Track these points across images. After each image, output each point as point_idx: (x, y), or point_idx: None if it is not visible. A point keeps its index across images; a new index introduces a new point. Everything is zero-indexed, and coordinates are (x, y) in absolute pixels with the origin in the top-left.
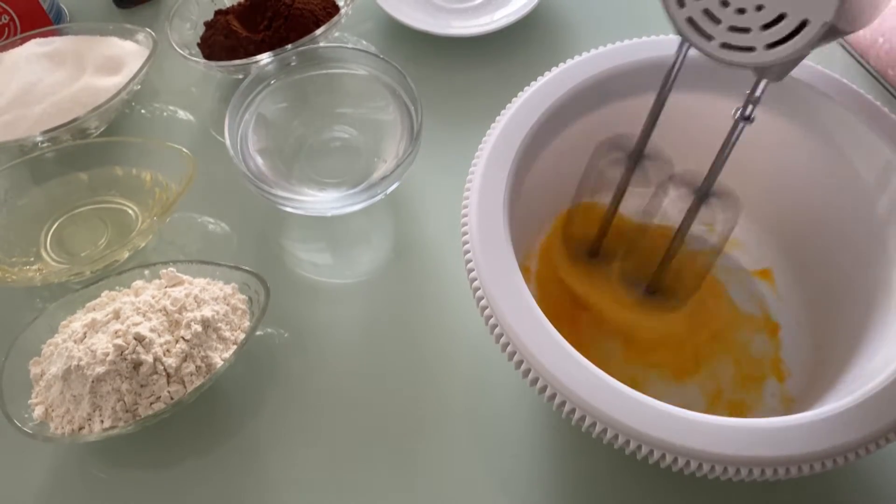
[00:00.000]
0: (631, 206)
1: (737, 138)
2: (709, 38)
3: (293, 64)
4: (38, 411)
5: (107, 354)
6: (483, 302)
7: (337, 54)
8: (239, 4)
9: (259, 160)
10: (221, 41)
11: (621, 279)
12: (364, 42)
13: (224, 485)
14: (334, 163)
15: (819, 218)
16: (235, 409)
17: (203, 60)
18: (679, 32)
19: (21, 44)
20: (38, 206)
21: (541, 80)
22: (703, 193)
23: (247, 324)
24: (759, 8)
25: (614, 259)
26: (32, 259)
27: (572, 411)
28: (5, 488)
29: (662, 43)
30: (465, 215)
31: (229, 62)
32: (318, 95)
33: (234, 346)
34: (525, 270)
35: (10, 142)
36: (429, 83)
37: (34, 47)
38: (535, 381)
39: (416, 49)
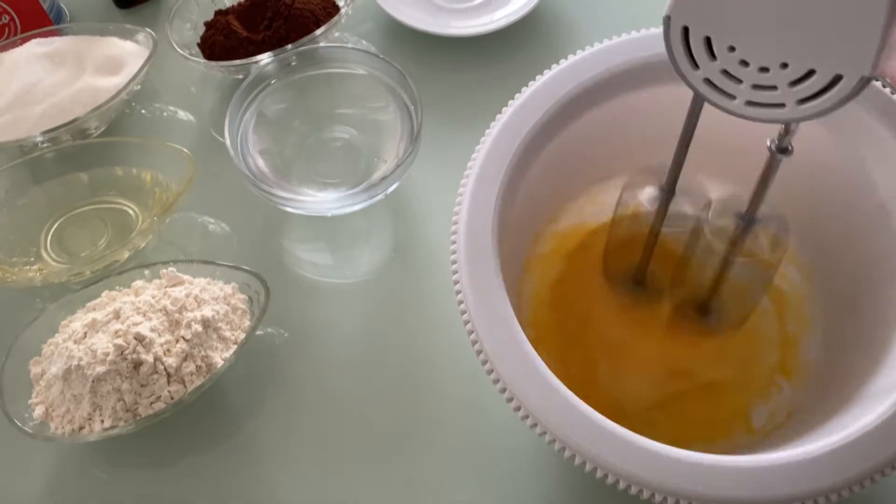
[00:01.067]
0: (672, 235)
1: (775, 171)
2: (731, 97)
3: (293, 64)
4: (38, 411)
5: (107, 354)
6: (473, 336)
7: (337, 54)
8: (239, 4)
9: (259, 160)
10: (221, 41)
11: (673, 304)
12: (364, 42)
13: (224, 484)
14: (334, 163)
15: (840, 228)
16: (235, 408)
17: (203, 60)
18: (697, 94)
19: (21, 44)
20: (38, 206)
21: (539, 81)
22: (748, 222)
23: (247, 323)
24: (784, 65)
25: (660, 284)
26: (32, 259)
27: (563, 449)
28: (5, 488)
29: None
30: (454, 241)
31: (229, 62)
32: (318, 95)
33: (235, 346)
34: (526, 270)
35: (10, 142)
36: (429, 83)
37: (34, 47)
38: (525, 416)
39: (416, 49)
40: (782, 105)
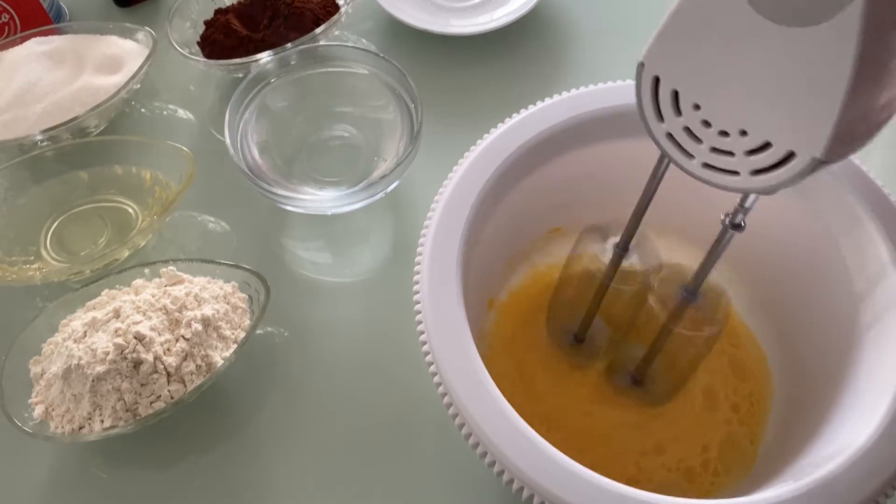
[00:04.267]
0: (619, 294)
1: (725, 245)
2: (690, 156)
3: (293, 63)
4: (38, 410)
5: (107, 353)
6: (438, 379)
7: (337, 53)
8: (239, 3)
9: (259, 158)
10: (221, 40)
11: (607, 369)
12: (364, 41)
13: (224, 483)
14: (334, 161)
15: (796, 289)
16: (235, 407)
17: (203, 59)
18: (659, 147)
19: (21, 43)
20: (38, 204)
21: (487, 140)
22: (691, 294)
23: (247, 322)
24: (744, 133)
25: (600, 344)
26: (32, 258)
27: (520, 489)
28: (5, 487)
29: (612, 91)
30: (418, 297)
31: (229, 61)
32: (317, 94)
33: (235, 345)
34: (489, 304)
35: (10, 141)
36: (429, 82)
37: (34, 46)
38: (493, 464)
39: (416, 48)
40: (737, 173)
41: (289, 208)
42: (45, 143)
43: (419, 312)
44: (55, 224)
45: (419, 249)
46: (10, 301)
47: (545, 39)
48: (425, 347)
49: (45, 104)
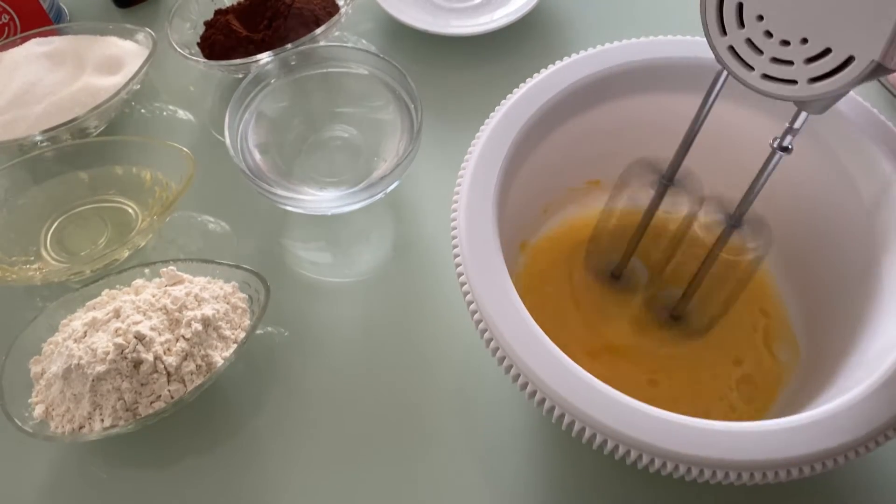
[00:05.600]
0: (659, 228)
1: (773, 168)
2: (749, 68)
3: (293, 63)
4: (38, 410)
5: (107, 353)
6: (470, 300)
7: (337, 54)
8: (239, 4)
9: (259, 159)
10: (221, 41)
11: (645, 303)
12: (364, 41)
13: (224, 483)
14: (334, 162)
15: (814, 219)
16: (235, 407)
17: (203, 60)
18: (719, 60)
19: (21, 43)
20: (38, 205)
21: (535, 78)
22: (736, 221)
23: (247, 322)
24: (804, 41)
25: (637, 282)
26: (32, 258)
27: (559, 415)
28: (5, 487)
29: (658, 44)
30: (454, 219)
31: (229, 61)
32: (317, 95)
33: (235, 345)
34: (521, 245)
35: (10, 141)
36: (429, 82)
37: (34, 47)
38: (524, 385)
39: (416, 48)
40: (795, 82)
41: (289, 209)
42: (45, 144)
43: (456, 242)
44: (55, 224)
45: (457, 187)
46: (10, 301)
47: (545, 40)
48: (462, 279)
49: (45, 105)
